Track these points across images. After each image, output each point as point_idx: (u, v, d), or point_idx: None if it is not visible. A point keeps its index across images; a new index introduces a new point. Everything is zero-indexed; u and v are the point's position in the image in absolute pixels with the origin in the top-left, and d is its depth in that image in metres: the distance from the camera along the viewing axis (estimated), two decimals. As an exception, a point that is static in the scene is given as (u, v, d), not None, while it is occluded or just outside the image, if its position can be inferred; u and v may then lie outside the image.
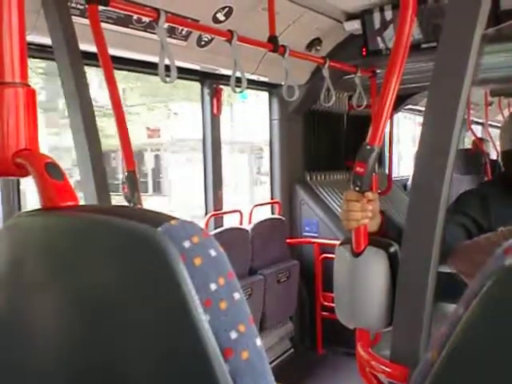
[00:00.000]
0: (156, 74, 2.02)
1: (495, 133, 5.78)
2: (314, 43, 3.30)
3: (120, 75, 1.80)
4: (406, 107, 5.13)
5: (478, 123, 6.59)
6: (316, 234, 3.86)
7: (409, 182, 5.52)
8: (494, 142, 5.81)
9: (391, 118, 4.09)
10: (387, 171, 4.47)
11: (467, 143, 6.91)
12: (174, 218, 0.53)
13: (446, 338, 0.50)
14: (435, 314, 1.12)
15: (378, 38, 3.14)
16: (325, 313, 3.70)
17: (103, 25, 1.98)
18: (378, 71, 3.55)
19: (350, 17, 3.23)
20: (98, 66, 1.90)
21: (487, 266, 0.49)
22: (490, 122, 5.92)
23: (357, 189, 1.28)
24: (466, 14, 1.07)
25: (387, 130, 4.11)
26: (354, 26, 3.22)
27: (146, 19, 2.23)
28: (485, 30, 1.10)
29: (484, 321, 0.48)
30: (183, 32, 2.58)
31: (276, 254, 3.65)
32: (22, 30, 0.69)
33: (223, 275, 0.53)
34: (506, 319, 0.46)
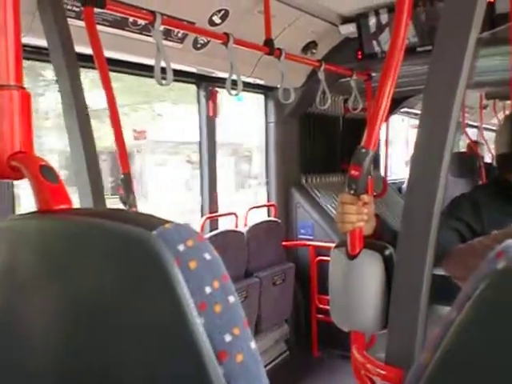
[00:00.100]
0: (152, 77, 2.02)
1: (490, 136, 5.81)
2: (310, 46, 3.31)
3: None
4: (402, 110, 5.15)
5: (472, 126, 6.61)
6: (311, 237, 3.87)
7: (404, 185, 5.53)
8: (488, 145, 5.83)
9: (386, 121, 4.10)
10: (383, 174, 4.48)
11: (462, 146, 6.93)
12: (168, 222, 0.53)
13: (439, 341, 0.50)
14: (430, 316, 1.12)
15: (374, 42, 3.15)
16: (320, 315, 3.70)
17: (99, 27, 1.98)
18: (374, 74, 3.56)
19: (346, 20, 3.24)
20: (93, 68, 1.90)
21: (480, 270, 0.49)
22: (484, 125, 5.94)
23: (352, 192, 1.28)
24: (461, 17, 1.07)
25: (383, 132, 4.12)
26: (350, 29, 3.23)
27: (141, 22, 2.23)
28: (480, 34, 1.10)
29: (477, 324, 0.48)
30: (179, 34, 2.58)
31: (272, 256, 3.65)
32: (17, 32, 0.69)
33: (218, 278, 0.53)
34: (499, 322, 0.47)
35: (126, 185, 1.90)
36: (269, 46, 2.62)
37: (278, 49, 2.67)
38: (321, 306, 3.66)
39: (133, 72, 2.90)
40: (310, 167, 4.16)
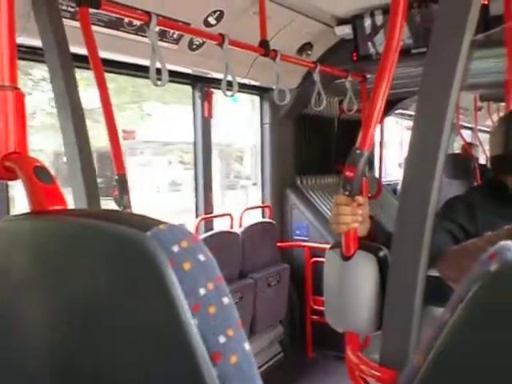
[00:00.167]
0: (147, 77, 2.02)
1: (484, 137, 5.83)
2: (305, 48, 3.31)
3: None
4: (397, 111, 5.16)
5: (467, 128, 6.63)
6: (306, 238, 3.87)
7: (399, 187, 5.55)
8: (483, 146, 5.85)
9: (381, 122, 4.11)
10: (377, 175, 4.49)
11: (456, 148, 6.95)
12: (162, 223, 0.53)
13: (432, 343, 0.51)
14: (424, 317, 1.12)
15: (369, 43, 3.16)
16: (315, 316, 3.70)
17: (94, 27, 1.97)
18: (369, 76, 3.57)
19: (341, 22, 3.25)
20: (88, 68, 1.89)
21: (473, 272, 0.49)
22: (479, 127, 5.96)
23: (347, 193, 1.28)
24: (456, 19, 1.08)
25: (378, 134, 4.13)
26: (345, 30, 3.23)
27: (137, 22, 2.23)
28: (474, 36, 1.11)
29: (470, 326, 0.48)
30: (174, 35, 2.58)
31: (266, 257, 3.65)
32: (11, 33, 0.69)
33: (212, 280, 0.53)
34: (492, 324, 0.47)
35: (121, 186, 1.90)
36: (264, 47, 2.62)
37: (274, 50, 2.67)
38: (315, 307, 3.66)
39: (128, 73, 2.89)
40: (305, 168, 4.16)
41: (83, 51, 1.86)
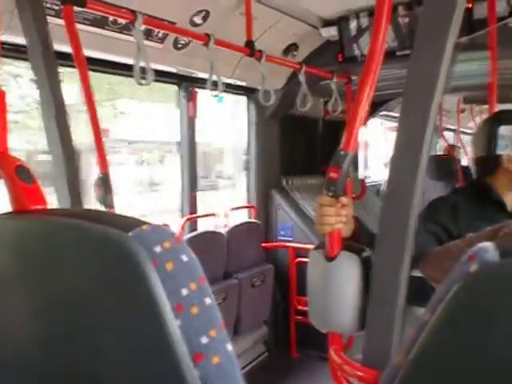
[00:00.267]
0: (131, 76, 2.01)
1: (467, 139, 5.89)
2: (291, 48, 3.32)
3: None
4: (381, 113, 5.19)
5: (450, 130, 6.69)
6: (291, 239, 3.88)
7: (382, 187, 5.58)
8: (465, 148, 5.91)
9: (365, 123, 4.14)
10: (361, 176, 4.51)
11: (439, 150, 7.01)
12: (145, 223, 0.52)
13: (412, 343, 0.51)
14: (407, 317, 1.13)
15: (354, 45, 3.17)
16: (299, 317, 3.71)
17: (79, 26, 1.96)
18: (354, 77, 3.58)
19: (327, 23, 3.26)
20: (72, 66, 1.88)
21: (453, 272, 0.50)
22: (461, 129, 6.01)
23: (331, 194, 1.28)
24: (439, 22, 1.08)
25: (362, 135, 4.15)
26: (331, 32, 3.24)
27: (122, 21, 2.22)
28: (458, 39, 1.12)
29: (449, 326, 0.49)
30: (160, 34, 2.57)
31: (251, 258, 3.65)
32: None
33: (195, 280, 0.53)
34: (471, 324, 0.47)
35: (105, 185, 1.89)
36: (250, 48, 2.63)
37: (259, 50, 2.67)
38: (300, 307, 3.67)
39: (113, 71, 2.87)
40: (290, 169, 4.17)
41: (67, 49, 1.84)
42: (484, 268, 0.47)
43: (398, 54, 2.95)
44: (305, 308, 3.39)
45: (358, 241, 1.38)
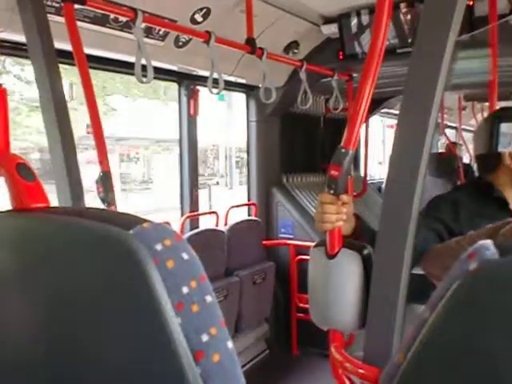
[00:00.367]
0: (132, 74, 2.01)
1: (468, 137, 5.88)
2: (292, 46, 3.31)
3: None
4: (382, 111, 5.18)
5: (451, 127, 6.68)
6: (292, 236, 3.88)
7: (383, 185, 5.57)
8: (467, 146, 5.90)
9: (366, 121, 4.13)
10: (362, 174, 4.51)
11: (440, 147, 7.00)
12: (146, 221, 0.52)
13: (412, 341, 0.51)
14: (408, 315, 1.13)
15: (355, 42, 3.17)
16: (300, 314, 3.71)
17: (79, 23, 1.96)
18: (355, 75, 3.58)
19: (328, 20, 3.25)
20: (73, 64, 1.88)
21: (452, 270, 0.50)
22: (463, 127, 6.01)
23: (331, 191, 1.29)
24: (440, 19, 1.08)
25: (363, 132, 4.15)
26: (331, 29, 3.24)
27: (122, 19, 2.21)
28: (459, 36, 1.11)
29: (449, 323, 0.49)
30: (160, 32, 2.57)
31: (252, 255, 3.66)
32: None
33: (195, 278, 0.53)
34: (471, 322, 0.47)
35: (106, 183, 1.89)
36: (250, 45, 2.62)
37: (260, 48, 2.67)
38: (301, 304, 3.67)
39: (113, 69, 2.87)
40: (291, 166, 4.17)
41: (68, 47, 1.84)
42: (484, 266, 0.47)
43: (399, 51, 2.95)
44: (306, 305, 3.38)
45: (359, 238, 1.38)
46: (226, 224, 3.59)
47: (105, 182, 1.88)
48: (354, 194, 4.08)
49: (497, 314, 0.46)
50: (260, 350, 3.76)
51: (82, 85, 1.86)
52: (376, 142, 9.36)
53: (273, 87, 2.78)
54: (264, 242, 3.83)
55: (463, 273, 0.48)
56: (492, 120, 1.68)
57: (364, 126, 4.08)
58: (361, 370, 1.17)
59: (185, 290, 0.51)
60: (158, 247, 0.51)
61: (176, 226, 3.26)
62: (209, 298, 0.53)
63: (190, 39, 2.70)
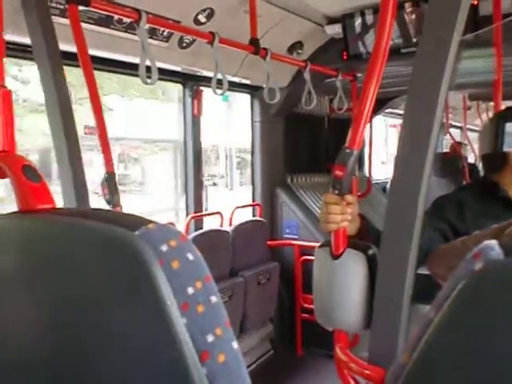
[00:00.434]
0: (136, 75, 2.02)
1: (473, 137, 5.87)
2: (296, 46, 3.31)
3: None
4: (387, 110, 5.18)
5: (456, 127, 6.67)
6: (296, 237, 3.87)
7: (388, 185, 5.56)
8: (472, 145, 5.89)
9: (371, 121, 4.13)
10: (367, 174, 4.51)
11: (445, 147, 6.99)
12: (151, 222, 0.53)
13: (418, 340, 0.51)
14: (413, 315, 1.13)
15: (359, 42, 3.16)
16: (305, 314, 3.71)
17: (84, 25, 1.96)
18: (359, 75, 3.58)
19: (331, 21, 3.25)
20: (77, 66, 1.88)
21: (458, 270, 0.50)
22: (468, 126, 5.99)
23: (336, 192, 1.28)
24: (445, 19, 1.08)
25: (367, 133, 4.15)
26: (335, 29, 3.23)
27: (127, 20, 2.22)
28: (463, 36, 1.11)
29: (455, 324, 0.49)
30: (164, 33, 2.57)
31: (257, 255, 3.66)
32: None
33: (200, 279, 0.53)
34: (476, 322, 0.47)
35: (111, 184, 1.89)
36: (254, 46, 2.62)
37: (264, 48, 2.67)
38: (305, 305, 3.67)
39: (117, 70, 2.88)
40: (295, 167, 4.16)
41: (72, 49, 1.85)
42: (489, 266, 0.47)
43: (403, 51, 2.94)
44: (310, 306, 3.38)
45: (364, 238, 1.38)
46: (230, 224, 3.59)
47: (110, 183, 1.88)
48: (359, 194, 4.07)
49: (502, 314, 0.46)
50: (264, 351, 3.76)
51: (87, 86, 1.87)
52: (379, 142, 9.33)
53: (277, 88, 2.78)
54: (268, 243, 3.83)
55: (468, 273, 0.48)
56: (497, 120, 1.68)
57: (368, 126, 4.08)
58: (366, 371, 1.17)
59: (190, 290, 0.51)
60: (164, 248, 0.51)
61: (181, 227, 3.27)
62: (214, 299, 0.53)
63: (194, 40, 2.70)
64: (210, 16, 2.64)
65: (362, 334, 1.36)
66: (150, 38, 2.41)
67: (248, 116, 3.95)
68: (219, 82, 2.42)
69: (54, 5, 2.03)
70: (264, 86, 2.79)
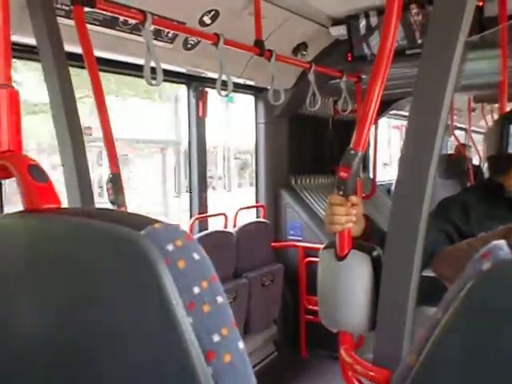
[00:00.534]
0: (141, 77, 2.02)
1: (478, 138, 5.85)
2: (300, 48, 3.31)
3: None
4: (391, 112, 5.17)
5: (461, 129, 6.66)
6: (300, 238, 3.87)
7: (392, 187, 5.55)
8: (476, 147, 5.88)
9: (375, 122, 4.12)
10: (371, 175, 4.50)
11: (450, 148, 6.97)
12: (157, 222, 0.53)
13: (424, 342, 0.51)
14: (418, 317, 1.13)
15: (364, 44, 3.16)
16: (309, 316, 3.70)
17: (89, 26, 1.97)
18: (364, 76, 3.57)
19: (336, 22, 3.25)
20: (83, 67, 1.89)
21: (466, 271, 0.49)
22: (472, 128, 5.98)
23: (341, 193, 1.28)
24: (450, 20, 1.08)
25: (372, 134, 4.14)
26: (340, 31, 3.24)
27: (132, 21, 2.22)
28: (468, 37, 1.11)
29: (463, 324, 0.48)
30: (169, 34, 2.58)
31: (260, 257, 3.65)
32: (6, 31, 0.68)
33: (206, 279, 0.53)
34: (484, 322, 0.47)
35: (116, 185, 1.89)
36: (259, 47, 2.63)
37: (269, 50, 2.67)
38: (309, 306, 3.66)
39: (122, 72, 2.89)
40: (299, 168, 4.16)
41: (78, 50, 1.85)
42: (497, 266, 0.47)
43: (408, 52, 2.94)
44: (315, 307, 3.38)
45: (369, 239, 1.38)
46: (234, 226, 3.59)
47: (115, 183, 1.89)
48: (363, 195, 4.07)
49: (510, 313, 0.46)
50: (268, 352, 3.76)
51: (92, 87, 1.87)
52: (381, 144, 9.30)
53: (281, 89, 2.78)
54: (272, 244, 3.83)
55: (476, 273, 0.48)
56: (503, 121, 1.67)
57: (373, 127, 4.07)
58: (371, 373, 1.17)
59: (196, 290, 0.51)
60: (170, 247, 0.51)
61: (185, 228, 3.26)
62: (220, 299, 0.53)
63: (199, 41, 2.71)
64: (214, 17, 2.65)
65: (367, 335, 1.35)
66: (155, 39, 2.41)
67: (247, 116, 3.95)
68: (224, 84, 2.43)
69: (59, 6, 2.04)
70: (268, 87, 2.79)
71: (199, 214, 3.42)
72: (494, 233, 1.26)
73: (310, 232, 3.83)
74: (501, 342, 0.46)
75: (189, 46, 2.74)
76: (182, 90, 3.38)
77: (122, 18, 2.26)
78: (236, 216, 3.63)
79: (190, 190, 3.49)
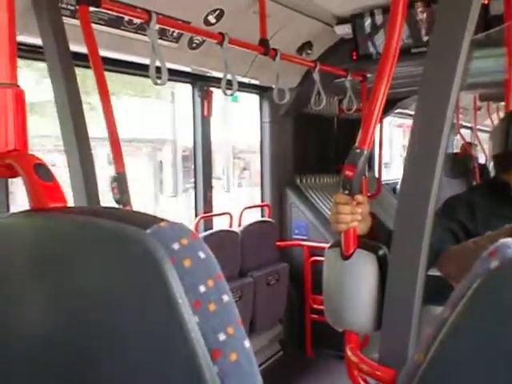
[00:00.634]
0: (147, 76, 2.02)
1: (483, 137, 5.83)
2: (305, 47, 3.31)
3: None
4: (397, 111, 5.16)
5: (466, 127, 6.63)
6: (306, 237, 3.87)
7: (398, 186, 5.54)
8: (482, 146, 5.85)
9: (381, 121, 4.11)
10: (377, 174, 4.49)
11: (456, 147, 6.95)
12: (163, 220, 0.53)
13: (432, 340, 0.51)
14: (424, 316, 1.12)
15: (369, 43, 3.16)
16: (314, 315, 3.70)
17: (94, 26, 1.97)
18: (369, 75, 3.57)
19: (341, 21, 3.25)
20: (88, 67, 1.89)
21: (473, 269, 0.49)
22: (478, 127, 5.96)
23: (346, 192, 1.28)
24: (456, 19, 1.08)
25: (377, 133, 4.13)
26: (345, 30, 3.23)
27: (137, 21, 2.23)
28: (474, 35, 1.11)
29: (470, 322, 0.48)
30: (174, 34, 2.58)
31: (266, 256, 3.65)
32: (11, 31, 0.69)
33: (212, 277, 0.53)
34: (492, 320, 0.47)
35: (121, 184, 1.90)
36: (264, 46, 2.63)
37: (274, 49, 2.67)
38: (315, 306, 3.66)
39: (128, 71, 2.89)
40: (304, 167, 4.16)
41: (83, 50, 1.86)
42: (505, 264, 0.47)
43: (414, 51, 2.93)
44: (320, 307, 3.37)
45: (376, 238, 1.37)
46: (239, 225, 3.59)
47: (120, 182, 1.89)
48: (369, 194, 4.06)
49: None
50: (274, 352, 3.76)
51: (98, 87, 1.88)
52: (384, 143, 9.22)
53: (286, 88, 2.78)
54: (278, 243, 3.83)
55: (484, 271, 0.47)
56: (508, 119, 1.67)
57: (378, 126, 4.06)
58: (376, 372, 1.17)
59: (202, 288, 0.51)
60: (175, 246, 0.51)
61: (190, 227, 3.26)
62: (226, 298, 0.53)
63: (204, 41, 2.71)
64: (219, 17, 2.65)
65: (373, 334, 1.35)
66: (160, 38, 2.41)
67: (247, 116, 3.93)
68: (228, 83, 2.43)
69: (64, 6, 2.04)
70: (273, 86, 2.79)
71: (204, 213, 3.42)
72: (500, 231, 1.26)
73: (316, 231, 3.83)
74: (509, 340, 0.45)
75: (194, 45, 2.74)
76: (177, 87, 3.35)
77: (127, 18, 2.27)
78: (241, 215, 3.63)
79: (195, 189, 3.49)
